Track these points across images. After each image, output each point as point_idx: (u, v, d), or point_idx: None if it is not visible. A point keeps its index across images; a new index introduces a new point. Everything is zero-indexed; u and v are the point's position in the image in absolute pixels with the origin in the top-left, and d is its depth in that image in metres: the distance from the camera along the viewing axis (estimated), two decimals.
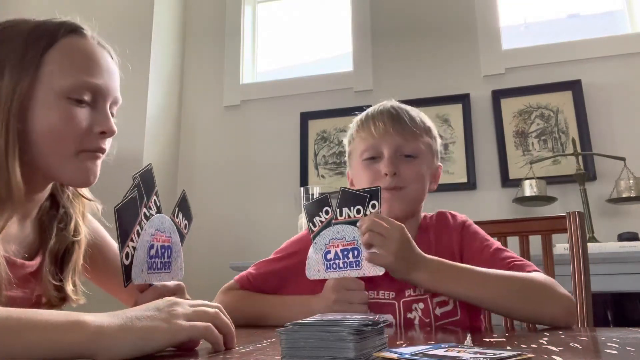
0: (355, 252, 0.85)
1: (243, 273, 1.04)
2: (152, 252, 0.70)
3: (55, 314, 0.50)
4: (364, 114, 1.06)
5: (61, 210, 0.88)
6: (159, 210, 0.72)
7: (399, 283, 0.91)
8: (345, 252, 0.86)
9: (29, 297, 0.83)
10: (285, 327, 0.44)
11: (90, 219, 0.95)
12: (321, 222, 0.89)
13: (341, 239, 0.87)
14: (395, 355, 0.40)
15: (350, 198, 0.87)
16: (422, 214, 1.08)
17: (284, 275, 1.02)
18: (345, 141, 1.10)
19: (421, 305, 0.94)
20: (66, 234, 0.86)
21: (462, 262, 0.95)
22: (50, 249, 0.85)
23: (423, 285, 0.87)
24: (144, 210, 0.69)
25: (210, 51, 2.89)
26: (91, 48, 0.82)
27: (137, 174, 0.69)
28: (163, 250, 0.72)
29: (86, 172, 0.80)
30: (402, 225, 0.85)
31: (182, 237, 0.78)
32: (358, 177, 1.03)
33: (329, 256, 0.87)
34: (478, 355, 0.40)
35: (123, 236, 0.65)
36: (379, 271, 0.84)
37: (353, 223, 0.86)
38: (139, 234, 0.67)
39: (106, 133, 0.80)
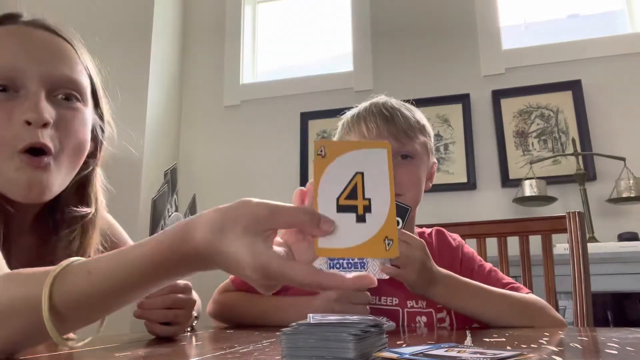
0: None
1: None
2: None
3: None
4: (354, 112, 1.02)
5: (61, 230, 0.74)
6: (176, 209, 0.74)
7: (401, 289, 0.91)
8: None
9: None
10: (286, 328, 0.44)
11: (107, 215, 0.86)
12: None
13: None
14: (395, 355, 0.40)
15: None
16: (418, 229, 1.06)
17: None
18: (335, 140, 1.07)
19: (424, 318, 0.95)
20: (69, 252, 0.73)
21: (462, 269, 0.99)
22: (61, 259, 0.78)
23: (438, 299, 0.88)
24: (168, 206, 0.70)
25: (210, 51, 2.89)
26: (14, 32, 0.70)
27: (168, 170, 0.70)
28: None
29: (22, 181, 0.64)
30: (423, 242, 0.85)
31: None
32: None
33: None
34: (478, 355, 0.40)
35: (153, 227, 0.66)
36: (384, 275, 0.82)
37: None
38: (162, 229, 0.68)
39: (31, 122, 0.64)
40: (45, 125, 0.65)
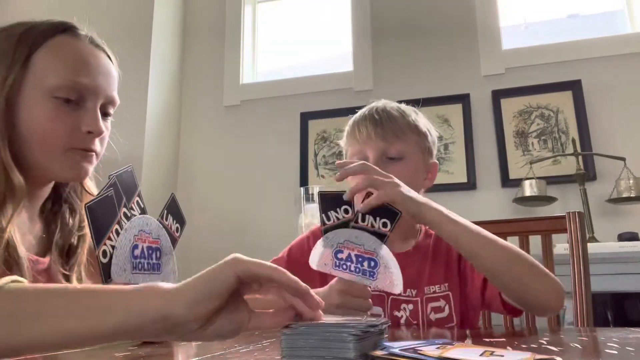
0: (372, 263, 0.82)
1: None
2: (137, 252, 0.68)
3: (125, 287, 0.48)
4: (353, 118, 1.06)
5: (64, 205, 0.89)
6: (143, 212, 0.72)
7: None
8: (361, 259, 0.83)
9: None
10: (286, 328, 0.44)
11: None
12: (337, 218, 0.85)
13: (359, 245, 0.83)
14: (381, 352, 0.41)
15: (380, 209, 0.84)
16: (423, 228, 1.06)
17: (293, 273, 1.00)
18: (341, 143, 1.10)
19: (411, 306, 0.94)
20: (71, 228, 0.88)
21: (460, 267, 0.98)
22: (56, 244, 0.85)
23: (434, 219, 0.85)
24: (124, 210, 0.68)
25: (210, 51, 2.89)
26: (82, 47, 0.83)
27: (114, 174, 0.69)
28: (150, 251, 0.71)
29: (75, 168, 0.81)
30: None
31: (173, 240, 0.77)
32: (351, 181, 1.01)
33: (340, 255, 0.83)
34: (471, 356, 0.40)
35: (98, 234, 0.64)
36: (396, 289, 0.81)
37: (377, 234, 0.83)
38: (118, 233, 0.66)
39: (93, 133, 0.81)
40: (99, 135, 0.83)
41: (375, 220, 0.84)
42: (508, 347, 0.54)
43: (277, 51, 3.01)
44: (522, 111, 2.37)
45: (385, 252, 0.83)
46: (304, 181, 2.52)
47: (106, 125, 0.86)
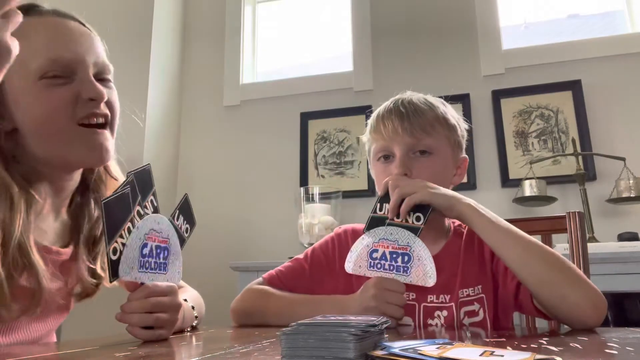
0: (406, 258, 0.84)
1: (271, 271, 1.02)
2: (145, 250, 0.69)
3: None
4: (377, 111, 1.02)
5: (91, 195, 0.88)
6: (155, 211, 0.72)
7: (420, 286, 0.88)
8: (395, 256, 0.84)
9: (65, 287, 0.83)
10: (286, 328, 0.44)
11: None
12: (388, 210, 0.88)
13: (393, 241, 0.85)
14: (381, 352, 0.41)
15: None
16: (455, 223, 1.03)
17: (313, 275, 1.00)
18: (364, 138, 1.07)
19: (445, 312, 0.90)
20: (98, 219, 0.87)
21: (493, 268, 0.95)
22: (85, 236, 0.85)
23: (465, 211, 0.87)
24: (138, 208, 0.68)
25: (210, 51, 2.89)
26: (50, 23, 0.80)
27: (132, 172, 0.69)
28: (158, 250, 0.71)
29: (95, 147, 0.78)
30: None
31: (182, 240, 0.77)
32: (375, 177, 1.02)
33: (374, 255, 0.85)
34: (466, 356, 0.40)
35: (110, 231, 0.64)
36: (429, 282, 0.82)
37: (410, 229, 0.85)
38: (130, 231, 0.66)
39: (95, 99, 0.77)
40: (103, 99, 0.78)
41: (409, 215, 0.86)
42: (508, 347, 0.54)
43: (277, 51, 3.01)
44: (522, 111, 2.37)
45: (419, 245, 0.85)
46: (304, 181, 2.52)
47: (109, 92, 0.82)
